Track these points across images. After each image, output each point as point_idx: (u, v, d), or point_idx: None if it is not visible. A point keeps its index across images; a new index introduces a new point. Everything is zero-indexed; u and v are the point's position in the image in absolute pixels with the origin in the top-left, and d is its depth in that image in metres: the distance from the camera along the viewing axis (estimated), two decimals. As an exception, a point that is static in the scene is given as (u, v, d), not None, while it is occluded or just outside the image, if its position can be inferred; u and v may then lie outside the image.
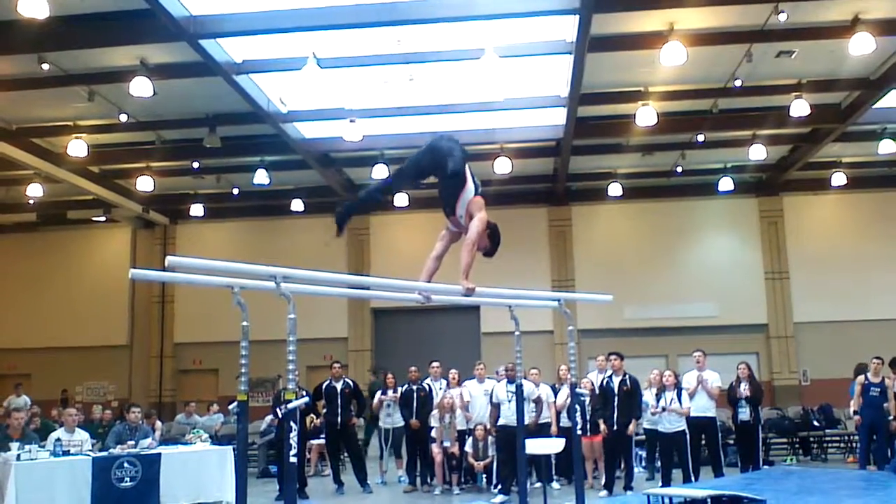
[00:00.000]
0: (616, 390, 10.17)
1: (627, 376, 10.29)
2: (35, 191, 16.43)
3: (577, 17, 9.86)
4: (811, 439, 13.68)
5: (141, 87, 11.25)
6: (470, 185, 5.35)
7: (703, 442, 10.68)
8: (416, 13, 10.00)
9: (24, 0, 8.83)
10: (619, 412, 10.14)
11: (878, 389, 10.99)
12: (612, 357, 10.46)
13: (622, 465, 10.44)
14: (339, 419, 11.01)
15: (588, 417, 10.41)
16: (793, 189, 18.27)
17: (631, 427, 10.13)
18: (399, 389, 11.55)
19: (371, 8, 9.91)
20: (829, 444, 13.78)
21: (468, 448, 10.79)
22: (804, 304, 17.96)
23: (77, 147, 13.79)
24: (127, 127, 13.75)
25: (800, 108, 12.67)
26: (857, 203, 18.24)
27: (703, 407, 10.46)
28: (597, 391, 10.55)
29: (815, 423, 13.70)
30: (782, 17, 10.06)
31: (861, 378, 11.19)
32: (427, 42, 10.99)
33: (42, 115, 13.67)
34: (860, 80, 12.76)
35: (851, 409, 11.69)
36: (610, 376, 10.37)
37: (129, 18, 10.02)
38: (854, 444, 13.12)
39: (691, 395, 10.38)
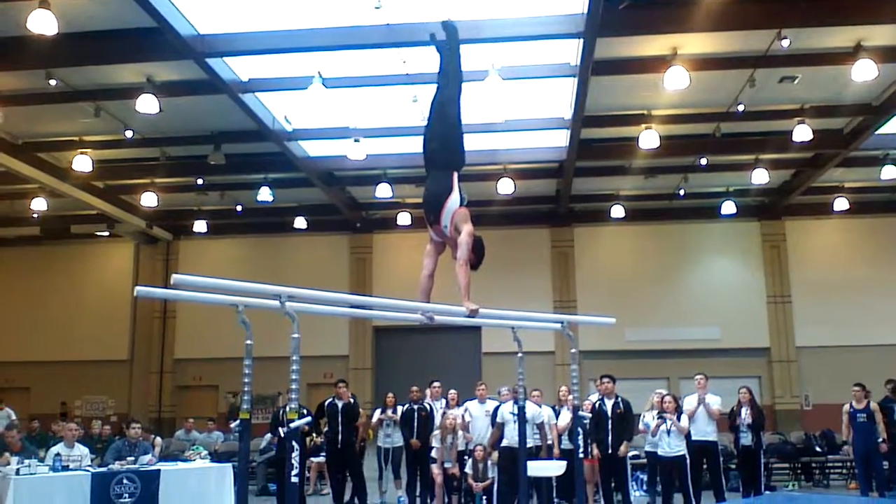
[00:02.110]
0: (609, 413, 10.12)
1: (620, 399, 10.23)
2: (39, 205, 16.52)
3: (581, 41, 9.95)
4: (813, 464, 13.58)
5: (147, 104, 11.34)
6: (456, 195, 5.28)
7: (705, 466, 10.60)
8: (422, 35, 10.04)
9: (34, 17, 8.92)
10: (613, 435, 10.07)
11: (865, 415, 10.90)
12: (605, 380, 10.40)
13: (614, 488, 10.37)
14: (340, 437, 10.96)
15: (589, 440, 10.35)
16: (795, 213, 18.32)
17: (623, 448, 10.05)
18: (399, 409, 11.52)
19: (377, 29, 9.99)
20: (831, 470, 13.69)
21: (468, 469, 10.74)
22: (806, 329, 17.95)
23: (82, 162, 13.86)
24: (132, 143, 13.83)
25: (802, 133, 12.72)
26: (859, 228, 18.27)
27: (704, 431, 10.39)
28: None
29: (818, 448, 13.61)
30: (785, 43, 10.13)
31: (846, 407, 11.10)
32: (432, 63, 11.04)
33: (48, 129, 13.76)
34: (863, 106, 12.82)
35: (843, 438, 11.64)
36: (602, 399, 10.32)
37: (136, 36, 10.12)
38: (856, 470, 13.04)
39: (691, 417, 10.33)
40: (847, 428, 11.07)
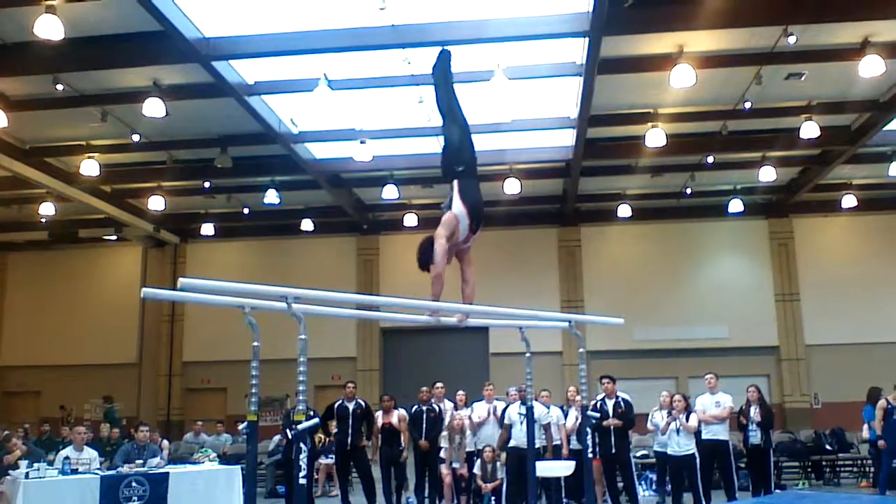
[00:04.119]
0: (610, 413, 10.09)
1: (620, 399, 10.21)
2: (47, 209, 16.57)
3: (587, 39, 9.93)
4: (823, 463, 13.53)
5: (154, 107, 11.36)
6: (454, 202, 5.33)
7: (716, 466, 10.56)
8: (427, 36, 10.07)
9: (40, 21, 8.94)
10: (615, 435, 10.04)
11: None
12: (605, 381, 10.38)
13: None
14: (349, 439, 10.94)
15: (597, 440, 10.32)
16: (803, 211, 18.24)
17: (613, 421, 9.97)
18: (400, 410, 11.48)
19: (382, 31, 9.98)
20: (842, 469, 13.62)
21: (476, 470, 10.73)
22: (815, 327, 17.86)
23: (90, 166, 13.91)
24: (139, 147, 13.88)
25: (810, 130, 12.67)
26: (867, 225, 18.18)
27: (714, 430, 10.36)
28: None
29: (828, 446, 13.55)
30: (792, 40, 10.08)
31: (882, 402, 11.07)
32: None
33: (56, 134, 13.79)
34: (870, 103, 12.76)
35: (866, 433, 11.55)
36: (603, 399, 10.29)
37: (142, 40, 10.14)
38: (867, 469, 12.98)
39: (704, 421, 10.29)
40: (879, 423, 11.03)
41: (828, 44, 10.72)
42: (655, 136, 12.85)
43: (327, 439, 12.05)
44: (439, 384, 11.65)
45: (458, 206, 5.28)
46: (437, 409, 11.23)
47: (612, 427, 9.99)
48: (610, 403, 10.14)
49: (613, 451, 9.98)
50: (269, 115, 12.60)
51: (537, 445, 9.50)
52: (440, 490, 10.93)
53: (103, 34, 10.12)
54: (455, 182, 5.36)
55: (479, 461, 10.71)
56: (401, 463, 10.94)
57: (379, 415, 11.19)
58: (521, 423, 9.54)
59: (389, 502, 10.96)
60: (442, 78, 5.67)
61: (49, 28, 8.99)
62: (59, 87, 11.19)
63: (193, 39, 9.94)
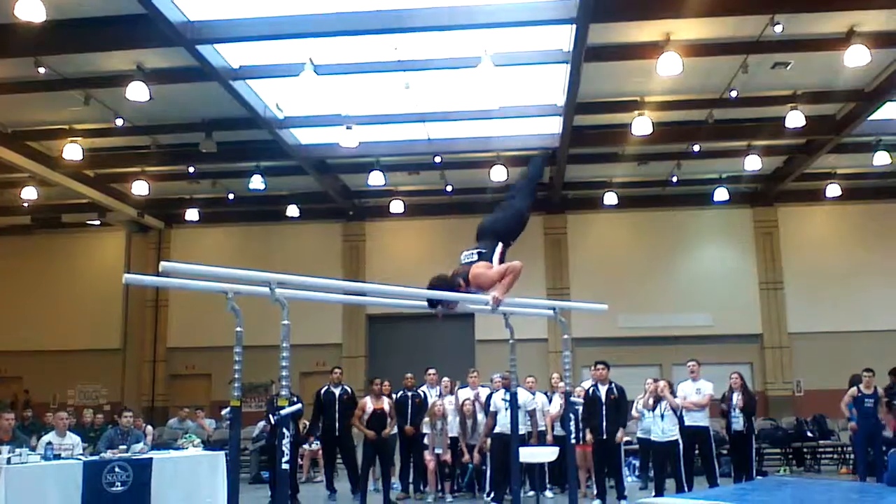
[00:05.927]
0: (603, 399, 10.14)
1: (614, 385, 10.25)
2: (30, 194, 16.41)
3: (574, 26, 9.91)
4: (805, 450, 13.69)
5: (137, 91, 11.25)
6: (494, 261, 5.94)
7: (697, 452, 10.66)
8: (414, 21, 10.03)
9: (22, 3, 8.81)
10: (607, 421, 10.10)
11: (872, 400, 11.03)
12: (599, 366, 10.42)
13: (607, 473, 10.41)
14: (336, 425, 10.95)
15: (581, 426, 10.39)
16: (787, 200, 18.34)
17: (619, 435, 10.07)
18: (392, 396, 11.52)
19: (368, 15, 9.92)
20: (823, 455, 13.78)
21: (455, 433, 10.80)
22: (798, 315, 18.00)
23: (72, 151, 13.77)
24: (123, 131, 13.74)
25: (795, 119, 12.71)
26: (851, 214, 18.30)
27: (695, 417, 10.45)
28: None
29: (809, 433, 13.71)
30: (778, 29, 10.10)
31: (853, 390, 11.23)
32: (424, 50, 11.01)
33: (38, 118, 13.64)
34: (855, 92, 12.81)
35: (848, 422, 11.72)
36: (596, 385, 10.33)
37: (126, 23, 10.01)
38: (847, 456, 13.14)
39: (679, 409, 10.37)
40: (844, 409, 11.19)
41: (814, 33, 10.74)
42: (642, 124, 12.86)
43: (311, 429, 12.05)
44: (432, 370, 11.69)
45: (496, 264, 5.85)
46: (421, 395, 11.27)
47: (604, 413, 10.03)
48: (603, 389, 10.18)
49: (605, 436, 10.03)
50: (255, 99, 12.52)
51: (522, 431, 9.58)
52: (424, 476, 10.99)
53: (86, 17, 9.98)
54: (500, 245, 5.95)
55: (457, 419, 10.79)
56: (387, 449, 10.92)
57: (367, 400, 10.98)
58: (506, 409, 9.58)
59: (364, 488, 10.79)
60: (538, 173, 6.36)
61: (30, 10, 8.86)
62: (41, 70, 11.05)
63: (178, 23, 9.83)
